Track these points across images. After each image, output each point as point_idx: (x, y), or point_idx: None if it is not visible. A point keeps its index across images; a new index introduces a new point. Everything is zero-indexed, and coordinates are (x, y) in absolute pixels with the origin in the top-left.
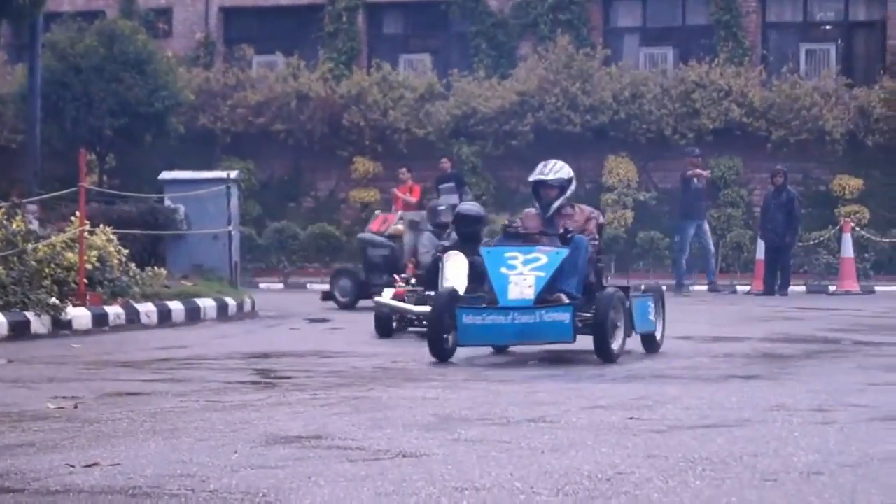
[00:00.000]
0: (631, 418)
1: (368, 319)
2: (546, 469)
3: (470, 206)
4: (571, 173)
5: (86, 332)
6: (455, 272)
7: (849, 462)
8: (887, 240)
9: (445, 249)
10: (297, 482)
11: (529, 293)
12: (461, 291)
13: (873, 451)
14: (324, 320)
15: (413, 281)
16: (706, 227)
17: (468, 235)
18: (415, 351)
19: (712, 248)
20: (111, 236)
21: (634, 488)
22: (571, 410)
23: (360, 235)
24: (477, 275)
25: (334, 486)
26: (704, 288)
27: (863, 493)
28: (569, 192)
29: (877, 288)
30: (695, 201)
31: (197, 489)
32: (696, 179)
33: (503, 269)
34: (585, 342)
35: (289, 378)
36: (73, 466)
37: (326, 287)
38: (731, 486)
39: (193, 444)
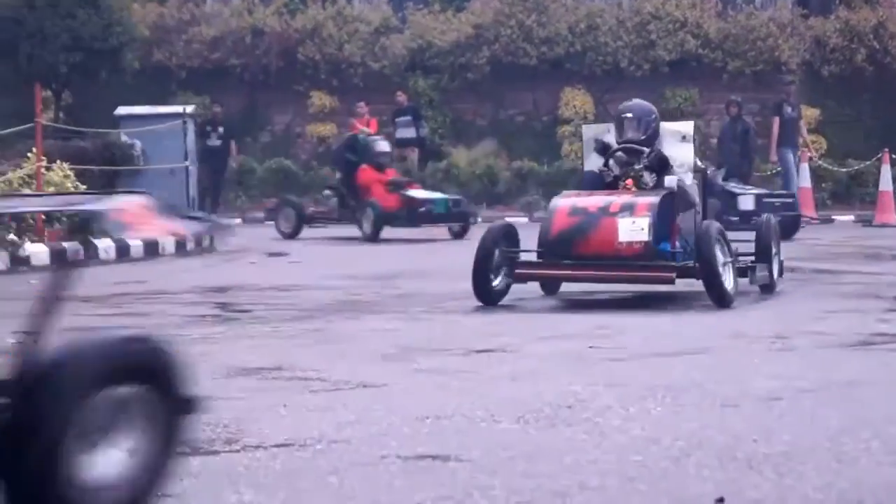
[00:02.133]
0: (591, 347)
1: (328, 252)
2: (507, 397)
3: None
4: None
5: (44, 269)
6: None
7: (808, 388)
8: (844, 169)
9: None
10: (259, 412)
11: None
12: None
13: (832, 376)
14: (283, 254)
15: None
16: (797, 158)
17: None
18: (374, 283)
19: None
20: (68, 172)
21: (595, 415)
22: (531, 341)
23: None
24: None
25: (296, 416)
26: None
27: (822, 418)
28: None
29: (834, 217)
30: (789, 130)
31: None
32: (788, 108)
33: None
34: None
35: (249, 311)
36: None
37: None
38: (691, 413)
39: None
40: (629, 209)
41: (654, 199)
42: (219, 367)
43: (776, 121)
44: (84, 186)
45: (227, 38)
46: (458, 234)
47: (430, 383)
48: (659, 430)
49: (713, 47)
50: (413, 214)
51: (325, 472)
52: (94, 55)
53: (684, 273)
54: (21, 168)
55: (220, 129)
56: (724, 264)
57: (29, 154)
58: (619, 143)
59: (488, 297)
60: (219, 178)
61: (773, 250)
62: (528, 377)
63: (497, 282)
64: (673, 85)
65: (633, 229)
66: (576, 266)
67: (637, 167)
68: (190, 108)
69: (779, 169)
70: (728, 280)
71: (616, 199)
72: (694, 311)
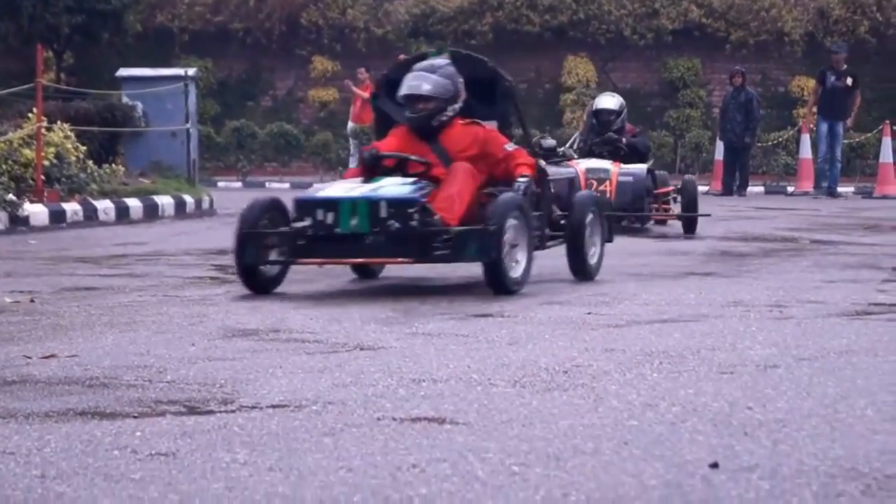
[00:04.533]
0: (589, 313)
1: None
2: (503, 361)
3: None
4: None
5: (43, 229)
6: None
7: (805, 356)
8: (845, 141)
9: None
10: (255, 373)
11: None
12: None
13: (829, 345)
14: None
15: None
16: (839, 129)
17: None
18: None
19: (838, 154)
20: (69, 133)
21: (592, 380)
22: (529, 306)
23: None
24: None
25: (292, 378)
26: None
27: (818, 385)
28: None
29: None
30: (827, 100)
31: (154, 380)
32: (833, 77)
33: None
34: None
35: None
36: (29, 358)
37: (286, 185)
38: (687, 379)
39: (151, 337)
40: None
41: None
42: (215, 329)
43: (816, 89)
44: (84, 148)
45: (229, 1)
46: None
47: (426, 346)
48: (655, 396)
49: (716, 17)
50: None
51: (320, 433)
52: (97, 16)
53: None
54: (21, 128)
55: None
56: None
57: (29, 115)
58: None
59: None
60: None
61: None
62: (525, 342)
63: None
64: (675, 54)
65: None
66: None
67: None
68: (192, 71)
69: (780, 139)
70: None
71: None
72: (692, 279)
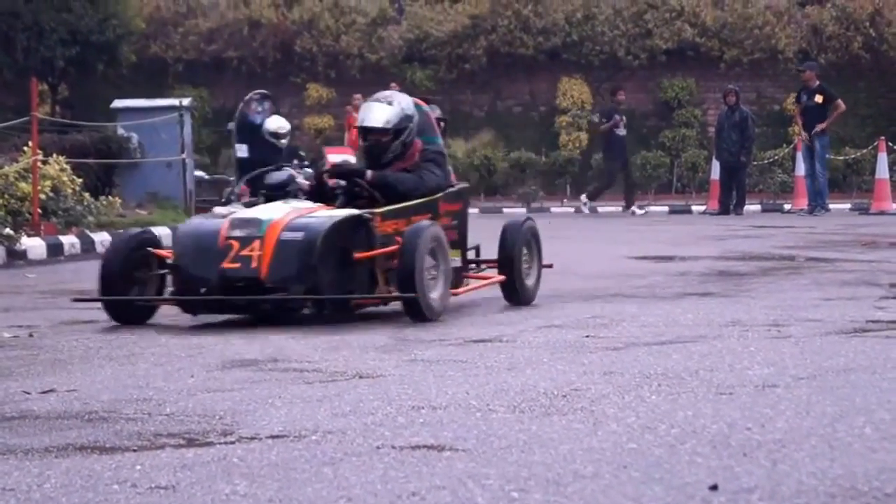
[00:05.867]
0: (587, 336)
1: None
2: (502, 387)
3: None
4: None
5: (41, 262)
6: None
7: (803, 375)
8: (840, 157)
9: None
10: (254, 404)
11: None
12: None
13: (827, 363)
14: None
15: None
16: (816, 145)
17: None
18: None
19: (818, 168)
20: (65, 166)
21: (591, 404)
22: (527, 330)
23: None
24: None
25: (291, 408)
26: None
27: (816, 404)
28: None
29: (831, 206)
30: (803, 119)
31: (154, 413)
32: (804, 96)
33: None
34: None
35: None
36: (28, 393)
37: None
38: (686, 400)
39: (149, 370)
40: None
41: None
42: (214, 360)
43: (797, 110)
44: (81, 180)
45: (223, 30)
46: None
47: (425, 374)
48: (654, 419)
49: (710, 36)
50: None
51: (319, 463)
52: (91, 48)
53: None
54: (17, 162)
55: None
56: None
57: (25, 148)
58: None
59: None
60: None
61: None
62: (523, 367)
63: None
64: (670, 74)
65: None
66: None
67: None
68: (186, 101)
69: (776, 157)
70: None
71: None
72: (690, 299)
